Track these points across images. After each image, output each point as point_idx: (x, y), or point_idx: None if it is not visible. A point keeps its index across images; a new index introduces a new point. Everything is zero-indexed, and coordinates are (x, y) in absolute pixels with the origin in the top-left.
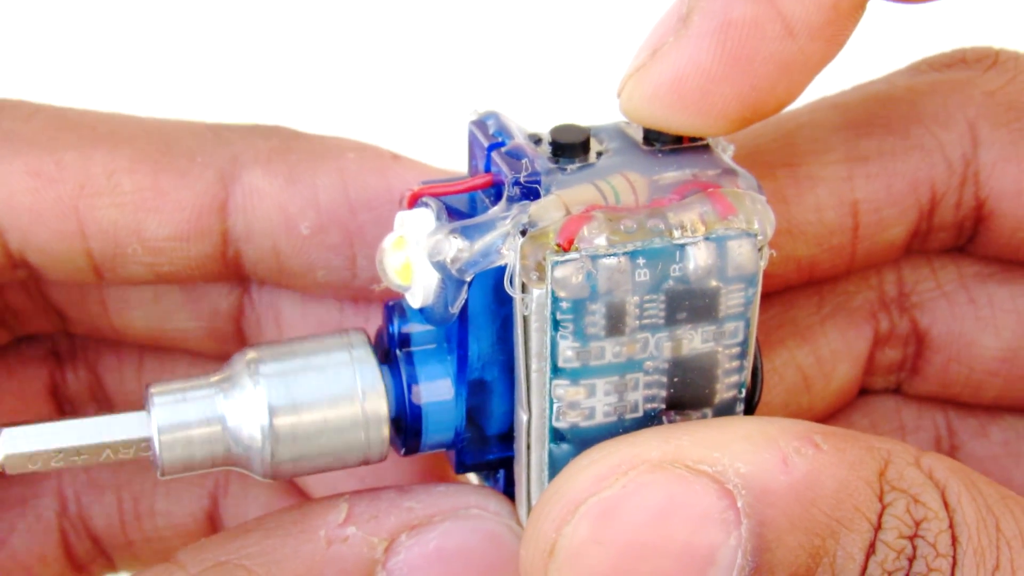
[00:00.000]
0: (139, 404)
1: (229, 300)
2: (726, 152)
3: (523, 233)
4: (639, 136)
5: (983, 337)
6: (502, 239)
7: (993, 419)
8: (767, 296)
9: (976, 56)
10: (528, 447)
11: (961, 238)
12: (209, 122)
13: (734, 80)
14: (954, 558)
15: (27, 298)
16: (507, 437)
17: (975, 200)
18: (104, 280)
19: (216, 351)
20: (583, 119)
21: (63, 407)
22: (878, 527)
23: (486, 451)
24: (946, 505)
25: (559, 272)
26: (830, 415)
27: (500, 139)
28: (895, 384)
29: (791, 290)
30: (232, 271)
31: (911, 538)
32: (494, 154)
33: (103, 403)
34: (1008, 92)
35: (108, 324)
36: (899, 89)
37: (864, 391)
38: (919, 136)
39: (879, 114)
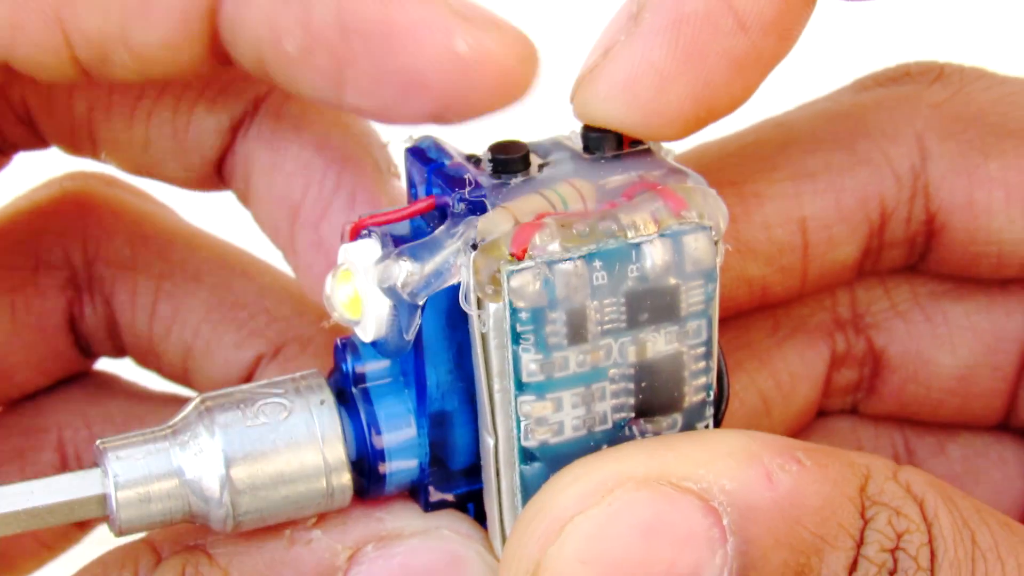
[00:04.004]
0: (148, 350)
1: (216, 149)
2: (668, 156)
3: (474, 247)
4: (579, 146)
5: (939, 355)
6: (453, 256)
7: (951, 437)
8: (722, 321)
9: (921, 70)
10: (497, 472)
11: (913, 255)
12: None
13: (688, 77)
14: (932, 571)
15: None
16: (472, 471)
17: (925, 214)
18: (93, 80)
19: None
20: (535, 129)
21: (80, 342)
22: (860, 542)
23: (452, 487)
24: (924, 518)
25: (515, 281)
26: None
27: (438, 160)
28: (851, 405)
29: (745, 315)
30: (223, 82)
31: (892, 551)
32: (435, 174)
33: (116, 341)
34: (954, 104)
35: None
36: (844, 105)
37: (821, 412)
38: (866, 151)
39: (825, 131)
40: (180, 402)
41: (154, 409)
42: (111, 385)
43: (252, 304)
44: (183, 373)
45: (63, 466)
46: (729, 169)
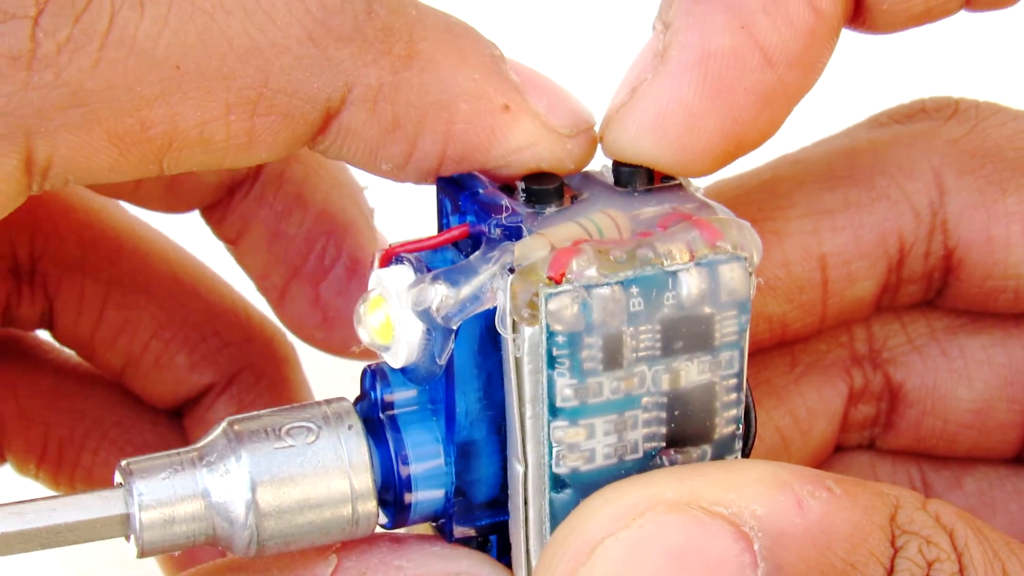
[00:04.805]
0: (85, 346)
1: (209, 200)
2: (698, 192)
3: (511, 271)
4: (610, 180)
5: (957, 389)
6: (489, 280)
7: (967, 470)
8: None
9: (936, 106)
10: (526, 501)
11: (931, 291)
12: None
13: (717, 113)
14: None
15: None
16: (495, 503)
17: (944, 249)
18: None
19: None
20: None
21: (6, 322)
22: (891, 571)
23: (474, 519)
24: (954, 548)
25: (553, 304)
26: None
27: (472, 188)
28: (869, 440)
29: (763, 352)
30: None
31: None
32: (470, 201)
33: (45, 329)
34: (971, 140)
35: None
36: (861, 142)
37: (838, 448)
38: (884, 187)
39: (842, 167)
40: (105, 383)
41: (80, 389)
42: (37, 355)
43: (203, 325)
44: (118, 374)
45: None
46: (747, 206)
